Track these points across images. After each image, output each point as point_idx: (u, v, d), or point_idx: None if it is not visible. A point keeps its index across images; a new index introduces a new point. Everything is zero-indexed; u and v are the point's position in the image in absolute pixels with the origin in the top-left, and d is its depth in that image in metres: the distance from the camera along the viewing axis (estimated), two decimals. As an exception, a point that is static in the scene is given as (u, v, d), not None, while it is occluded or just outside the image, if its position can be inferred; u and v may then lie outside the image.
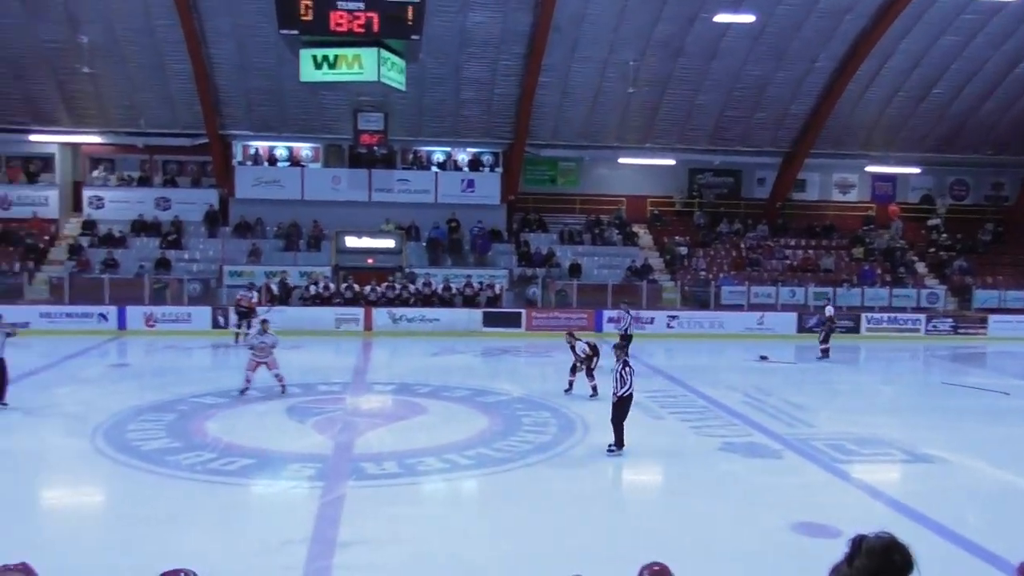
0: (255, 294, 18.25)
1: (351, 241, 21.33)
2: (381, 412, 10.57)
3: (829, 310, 16.44)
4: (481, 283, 20.15)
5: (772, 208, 24.14)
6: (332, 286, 19.98)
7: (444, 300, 19.81)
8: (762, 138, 22.45)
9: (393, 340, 17.98)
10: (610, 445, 8.29)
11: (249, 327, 16.79)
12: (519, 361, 11.67)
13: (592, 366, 11.05)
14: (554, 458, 8.24)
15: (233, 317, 17.61)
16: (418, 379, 12.61)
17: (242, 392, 11.25)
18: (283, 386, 11.33)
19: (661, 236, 23.65)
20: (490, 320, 18.70)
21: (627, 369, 8.33)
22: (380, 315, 18.93)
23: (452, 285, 19.92)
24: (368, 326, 19.06)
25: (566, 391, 11.51)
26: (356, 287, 19.74)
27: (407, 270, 20.87)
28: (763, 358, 15.90)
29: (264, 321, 11.98)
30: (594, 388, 10.72)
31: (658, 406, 10.96)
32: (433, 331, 18.63)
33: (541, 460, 8.12)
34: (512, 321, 19.35)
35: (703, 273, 22.03)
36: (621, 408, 7.92)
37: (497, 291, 20.08)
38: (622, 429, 8.19)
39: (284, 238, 21.36)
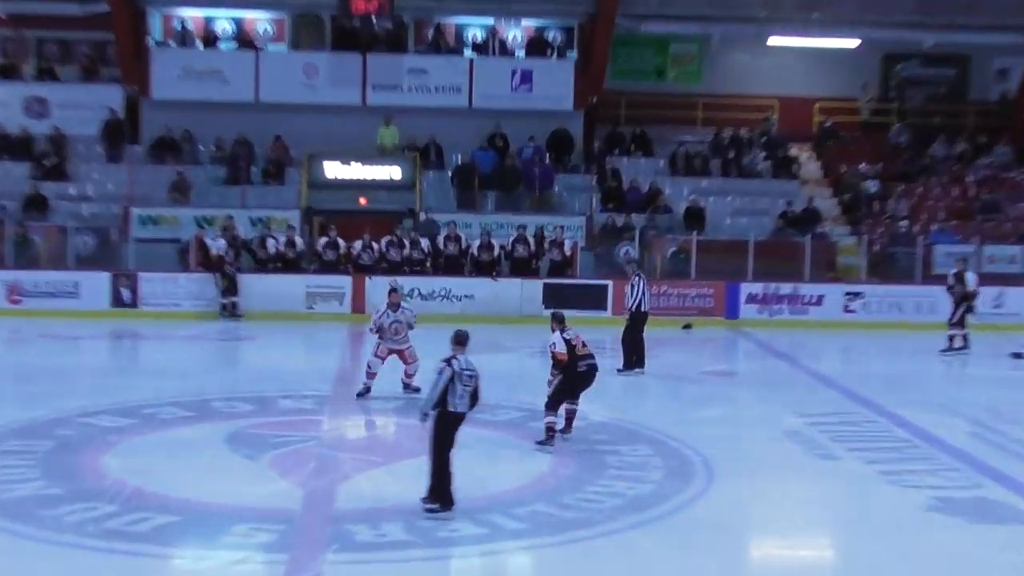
0: (223, 244, 19.18)
1: (333, 169, 21.76)
2: (378, 444, 10.99)
3: (971, 279, 17.20)
4: (542, 237, 20.60)
5: (1020, 118, 23.98)
6: (301, 241, 20.39)
7: (482, 265, 20.14)
8: (1004, 3, 22.39)
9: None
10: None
11: (234, 295, 18.98)
12: (602, 365, 12.11)
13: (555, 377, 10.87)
14: (657, 522, 8.41)
15: (214, 281, 19.09)
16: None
17: (360, 395, 12.47)
18: (413, 387, 12.42)
19: (835, 163, 24.23)
20: (556, 297, 19.19)
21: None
22: (378, 288, 19.07)
23: (494, 241, 20.28)
24: (359, 306, 19.59)
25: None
26: (341, 243, 20.13)
27: (423, 216, 21.23)
28: (1017, 356, 16.50)
29: (393, 290, 12.87)
30: (549, 430, 10.66)
31: (829, 438, 11.35)
32: (464, 314, 19.02)
33: (636, 525, 8.28)
34: (592, 299, 19.77)
35: (904, 224, 22.29)
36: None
37: (568, 251, 20.51)
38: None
39: (226, 164, 21.53)
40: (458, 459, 8.36)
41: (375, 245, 20.17)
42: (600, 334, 15.02)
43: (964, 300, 17.11)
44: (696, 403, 13.40)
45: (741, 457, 10.38)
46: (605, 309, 19.88)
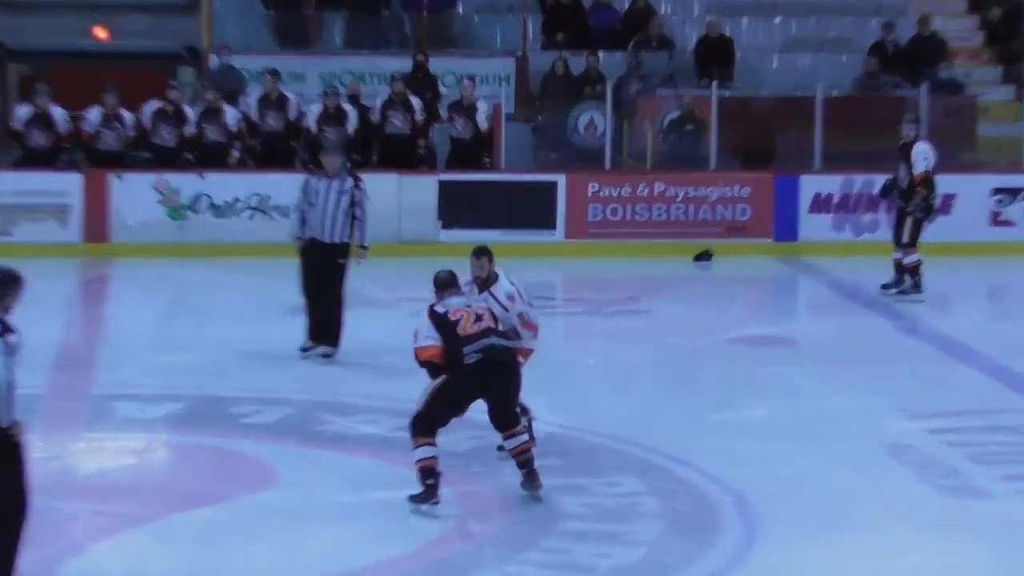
0: None
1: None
2: (135, 485, 10.96)
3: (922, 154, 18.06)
4: (435, 98, 21.60)
5: None
6: None
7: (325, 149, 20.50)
8: None
9: (155, 263, 19.43)
10: None
11: None
12: (554, 327, 12.05)
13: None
14: None
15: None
16: (206, 379, 13.90)
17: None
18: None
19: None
20: (460, 206, 20.00)
21: None
22: (134, 194, 20.15)
23: (347, 106, 21.05)
24: (96, 229, 20.24)
25: None
26: (59, 114, 20.57)
27: (215, 62, 22.30)
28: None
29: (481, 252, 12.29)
30: (424, 474, 10.66)
31: (966, 456, 11.52)
32: (255, 250, 19.75)
33: None
34: (528, 210, 20.65)
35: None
36: None
37: (484, 122, 21.16)
38: None
39: None
40: (291, 503, 9.18)
41: (126, 116, 20.30)
42: (546, 273, 14.94)
43: (912, 196, 17.85)
44: (723, 396, 13.49)
45: (804, 496, 10.30)
46: (552, 227, 20.25)
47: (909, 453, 11.41)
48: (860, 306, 17.92)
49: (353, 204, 13.94)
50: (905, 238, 17.52)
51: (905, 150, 17.64)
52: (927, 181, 17.43)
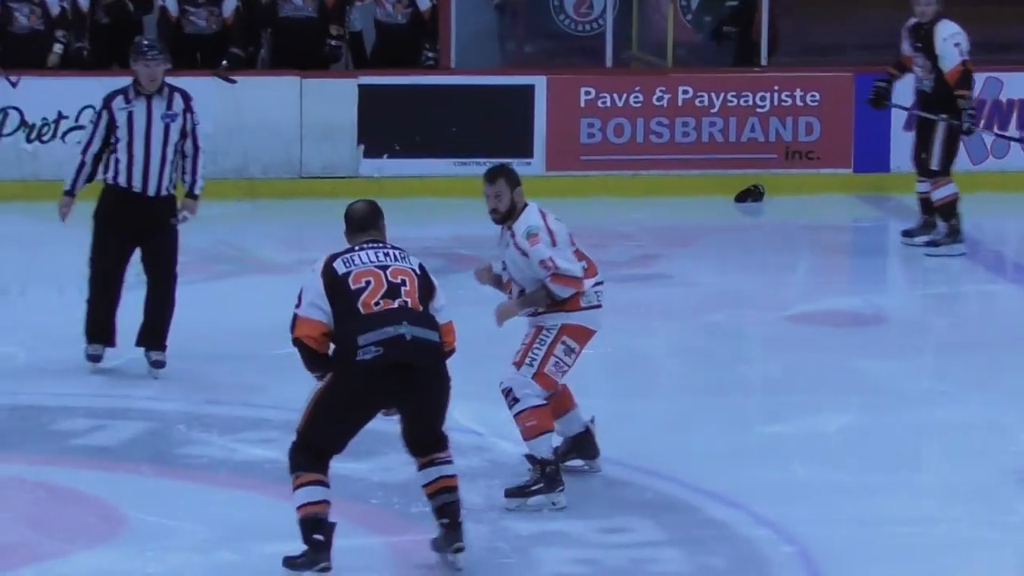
0: None
1: None
2: (42, 514, 11.11)
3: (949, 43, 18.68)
4: None
5: None
6: None
7: (196, 44, 21.41)
8: None
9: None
10: None
11: None
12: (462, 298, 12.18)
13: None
14: None
15: None
16: (16, 380, 14.20)
17: None
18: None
19: None
20: (379, 119, 20.55)
21: None
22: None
23: None
24: None
25: None
26: None
27: None
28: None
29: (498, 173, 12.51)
30: (306, 529, 11.04)
31: None
32: None
33: None
34: (503, 132, 21.15)
35: None
36: None
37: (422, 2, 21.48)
38: None
39: None
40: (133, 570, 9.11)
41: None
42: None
43: (941, 102, 18.33)
44: (779, 401, 13.67)
45: (901, 545, 10.21)
46: (527, 154, 20.49)
47: (1059, 484, 11.54)
48: (982, 267, 18.02)
49: (184, 136, 13.52)
50: (935, 164, 17.90)
51: (920, 34, 18.08)
52: (965, 77, 17.73)
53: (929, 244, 17.84)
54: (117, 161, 13.14)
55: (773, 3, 21.07)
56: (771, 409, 13.28)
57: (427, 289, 9.56)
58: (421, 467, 9.80)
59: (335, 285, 9.55)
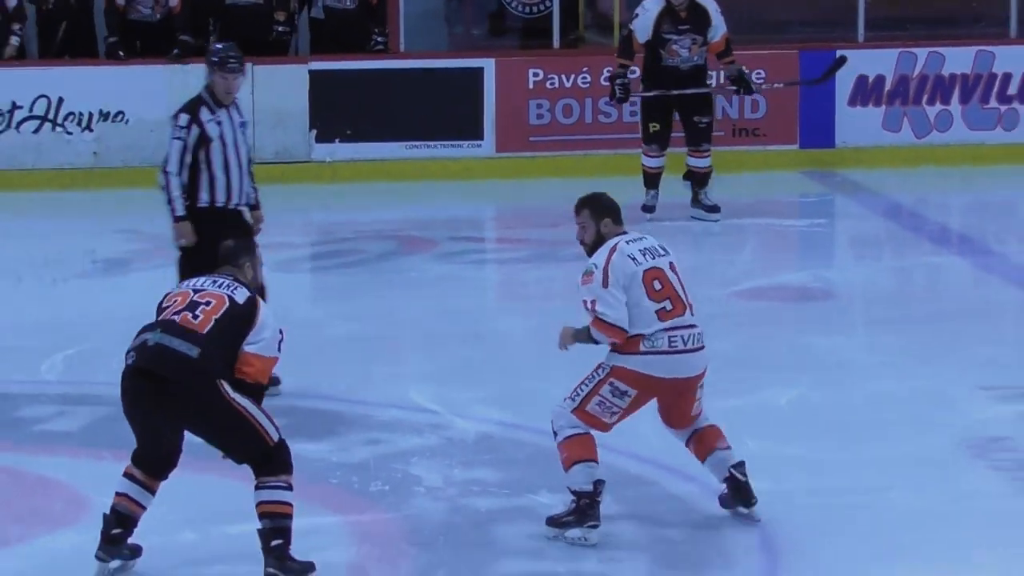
0: None
1: None
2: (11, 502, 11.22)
3: None
4: None
5: None
6: None
7: (144, 29, 21.33)
8: None
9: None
10: None
11: None
12: (486, 281, 12.09)
13: None
14: None
15: None
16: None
17: None
18: None
19: None
20: (329, 104, 20.43)
21: None
22: None
23: None
24: None
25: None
26: None
27: None
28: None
29: None
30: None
31: None
32: (97, 166, 20.81)
33: None
34: (452, 115, 21.15)
35: None
36: None
37: None
38: None
39: None
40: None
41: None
42: (470, 204, 15.14)
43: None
44: (733, 375, 13.32)
45: (851, 516, 10.30)
46: (477, 135, 20.70)
47: (1000, 449, 11.54)
48: (925, 240, 18.14)
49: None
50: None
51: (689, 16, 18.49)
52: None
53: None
54: (213, 179, 12.54)
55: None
56: (722, 385, 13.21)
57: (241, 318, 9.26)
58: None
59: (159, 306, 9.56)
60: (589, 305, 9.76)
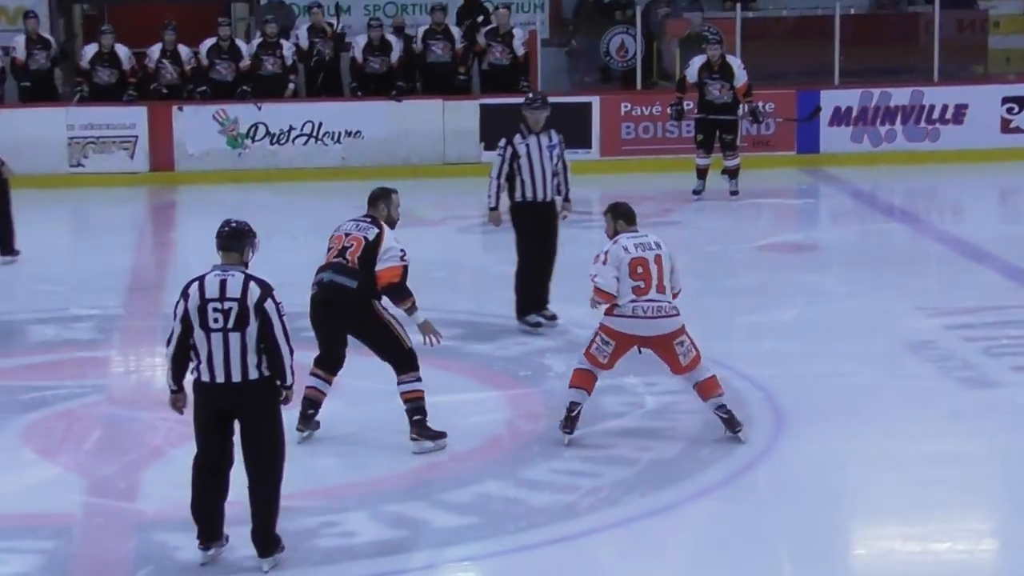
0: None
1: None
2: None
3: None
4: (475, 27, 21.35)
5: None
6: (54, 47, 20.65)
7: (372, 78, 21.05)
8: None
9: (216, 190, 19.62)
10: None
11: None
12: (593, 240, 12.05)
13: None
14: (688, 507, 8.69)
15: None
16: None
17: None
18: None
19: None
20: (500, 126, 18.99)
21: None
22: (194, 125, 20.28)
23: (391, 37, 21.07)
24: (162, 158, 20.29)
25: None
26: (123, 52, 20.59)
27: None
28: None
29: None
30: None
31: (982, 350, 11.66)
32: (347, 165, 20.51)
33: (654, 512, 8.52)
34: (572, 132, 19.75)
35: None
36: None
37: (520, 47, 21.10)
38: None
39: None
40: (349, 410, 9.25)
41: (183, 51, 20.39)
42: (584, 189, 15.01)
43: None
44: (753, 300, 13.68)
45: (831, 390, 10.54)
46: (588, 145, 20.24)
47: (928, 348, 11.60)
48: (879, 213, 18.12)
49: (556, 160, 12.49)
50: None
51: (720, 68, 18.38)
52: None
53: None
54: (523, 183, 12.20)
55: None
56: (747, 305, 13.22)
57: (373, 249, 9.11)
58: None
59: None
60: (592, 278, 9.51)
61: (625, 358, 9.62)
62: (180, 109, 19.82)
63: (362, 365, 9.72)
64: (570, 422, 9.28)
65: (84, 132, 19.95)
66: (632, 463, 9.10)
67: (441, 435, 9.29)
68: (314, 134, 20.32)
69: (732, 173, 18.16)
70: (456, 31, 20.85)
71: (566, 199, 12.50)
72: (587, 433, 9.51)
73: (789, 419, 9.92)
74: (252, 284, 7.17)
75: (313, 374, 9.46)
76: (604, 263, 9.28)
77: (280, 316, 7.17)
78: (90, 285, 14.31)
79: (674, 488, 8.74)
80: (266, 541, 7.36)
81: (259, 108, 19.96)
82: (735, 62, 18.46)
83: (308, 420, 9.43)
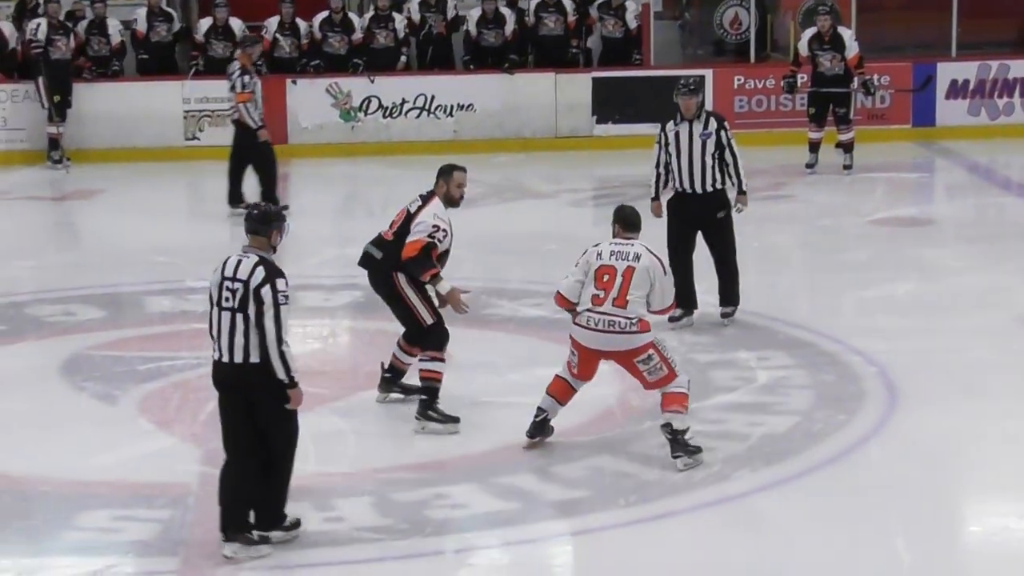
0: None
1: None
2: (324, 365, 11.11)
3: None
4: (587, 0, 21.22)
5: None
6: (176, 20, 21.00)
7: (486, 51, 21.07)
8: None
9: (329, 163, 19.70)
10: None
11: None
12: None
13: None
14: (802, 482, 8.59)
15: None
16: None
17: None
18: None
19: None
20: (613, 102, 19.85)
21: None
22: (309, 98, 20.38)
23: (505, 10, 21.08)
24: (277, 131, 19.87)
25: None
26: (237, 24, 20.58)
27: None
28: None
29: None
30: None
31: None
32: (458, 138, 20.35)
33: (766, 487, 8.47)
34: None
35: None
36: None
37: (633, 21, 20.97)
38: None
39: None
40: (462, 383, 9.14)
41: (301, 25, 20.48)
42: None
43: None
44: (867, 275, 13.52)
45: (946, 365, 10.47)
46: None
47: (1043, 325, 11.44)
48: (995, 186, 17.87)
49: (719, 148, 11.75)
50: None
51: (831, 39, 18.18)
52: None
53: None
54: (671, 172, 11.57)
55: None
56: (860, 280, 13.14)
57: (410, 221, 9.09)
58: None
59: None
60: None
61: (735, 331, 9.61)
62: (294, 83, 19.98)
63: (476, 339, 9.78)
64: (533, 428, 8.91)
65: (200, 105, 20.21)
66: (743, 438, 9.09)
67: (453, 419, 9.23)
68: (426, 107, 20.35)
69: (846, 147, 17.94)
70: (569, 4, 20.69)
71: (740, 191, 11.74)
72: (698, 408, 9.39)
73: (902, 395, 9.82)
74: (259, 268, 7.15)
75: (397, 343, 9.69)
76: (576, 265, 8.95)
77: (276, 305, 7.07)
78: (205, 257, 14.40)
79: (785, 463, 8.69)
80: (265, 517, 7.38)
81: (372, 81, 19.99)
82: (846, 33, 18.31)
83: (389, 384, 9.76)
